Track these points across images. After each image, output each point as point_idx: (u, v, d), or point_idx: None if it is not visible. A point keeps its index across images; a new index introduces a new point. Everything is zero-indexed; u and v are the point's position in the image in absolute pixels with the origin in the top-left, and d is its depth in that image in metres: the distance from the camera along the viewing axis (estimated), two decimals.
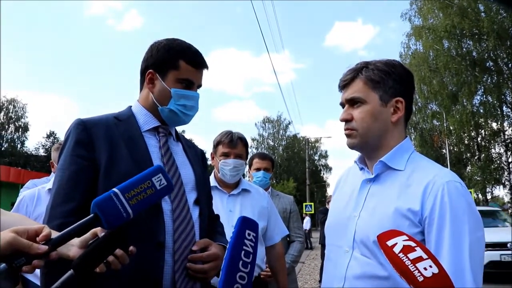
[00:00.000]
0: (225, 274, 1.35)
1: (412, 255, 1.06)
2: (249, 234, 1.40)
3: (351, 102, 1.58)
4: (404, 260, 1.06)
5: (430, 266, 1.04)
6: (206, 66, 1.78)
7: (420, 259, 1.05)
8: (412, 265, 1.04)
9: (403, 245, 1.09)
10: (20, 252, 1.00)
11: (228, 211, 2.73)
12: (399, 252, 1.08)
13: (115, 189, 1.16)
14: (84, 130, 1.59)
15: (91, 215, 1.12)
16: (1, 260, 0.98)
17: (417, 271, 1.03)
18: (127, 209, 1.14)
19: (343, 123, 1.61)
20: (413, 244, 1.09)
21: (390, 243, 1.12)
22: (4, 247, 0.98)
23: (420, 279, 1.02)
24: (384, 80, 1.55)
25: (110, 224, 1.12)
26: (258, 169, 3.72)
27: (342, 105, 1.63)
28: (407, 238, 1.11)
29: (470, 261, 1.32)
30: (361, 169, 1.66)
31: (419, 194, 1.42)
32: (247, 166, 3.74)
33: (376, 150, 1.58)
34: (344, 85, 1.61)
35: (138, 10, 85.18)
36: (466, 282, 1.30)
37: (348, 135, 1.59)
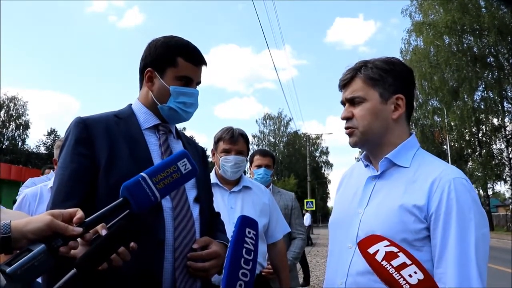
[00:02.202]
0: (228, 272, 1.36)
1: (395, 262, 1.03)
2: (249, 232, 1.41)
3: (352, 101, 1.59)
4: (388, 268, 1.03)
5: (415, 272, 1.01)
6: (204, 63, 1.78)
7: (404, 265, 1.03)
8: (396, 272, 1.02)
9: (385, 252, 1.07)
10: (57, 233, 1.07)
11: (229, 208, 2.71)
12: (382, 260, 1.05)
13: (142, 174, 1.21)
14: (85, 128, 1.58)
15: (120, 198, 1.17)
16: (40, 241, 1.05)
17: (402, 279, 1.01)
18: (154, 193, 1.20)
19: (344, 121, 1.61)
20: (395, 249, 1.07)
21: (371, 250, 1.09)
22: (43, 229, 1.06)
23: (406, 287, 1.00)
24: (383, 78, 1.55)
25: (139, 207, 1.17)
26: (259, 166, 3.71)
27: (343, 103, 1.64)
28: (388, 243, 1.09)
29: (476, 257, 1.32)
30: (366, 166, 1.67)
31: (425, 190, 1.43)
32: (248, 163, 3.73)
33: (378, 147, 1.58)
34: (344, 85, 1.62)
35: (139, 7, 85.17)
36: (472, 278, 1.31)
37: (349, 134, 1.60)
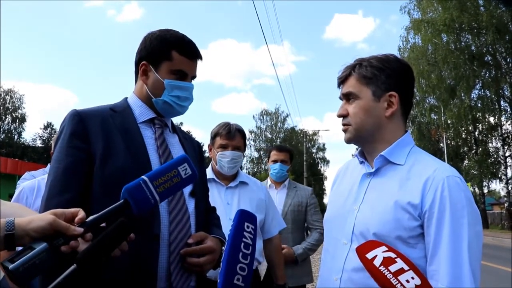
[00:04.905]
0: (226, 266, 1.37)
1: (393, 268, 1.05)
2: (247, 227, 1.42)
3: (347, 98, 1.61)
4: (385, 274, 1.04)
5: (412, 278, 1.03)
6: (200, 57, 1.77)
7: (401, 271, 1.04)
8: (394, 278, 1.03)
9: (383, 257, 1.08)
10: (59, 233, 1.10)
11: (225, 203, 2.72)
12: (380, 265, 1.06)
13: (143, 177, 1.22)
14: (80, 121, 1.57)
15: (121, 200, 1.19)
16: (42, 240, 1.08)
17: (399, 284, 1.02)
18: (154, 196, 1.22)
19: (341, 119, 1.64)
20: (393, 255, 1.08)
21: (369, 255, 1.10)
22: (45, 228, 1.09)
23: None
24: (377, 76, 1.57)
25: (139, 210, 1.19)
26: (275, 161, 3.74)
27: (342, 99, 1.66)
28: (386, 249, 1.10)
29: (469, 255, 1.33)
30: (361, 162, 1.68)
31: (419, 188, 1.44)
32: (266, 158, 3.74)
33: (372, 143, 1.60)
34: (340, 82, 1.65)
35: (138, 1, 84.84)
36: (464, 275, 1.32)
37: (344, 131, 1.63)
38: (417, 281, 1.03)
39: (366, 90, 1.57)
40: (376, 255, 1.09)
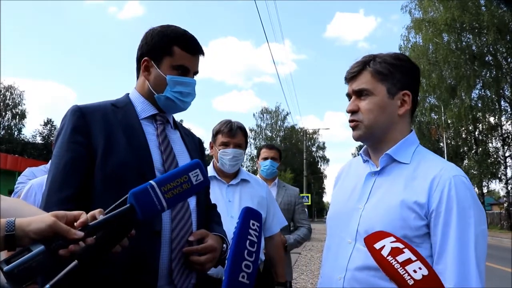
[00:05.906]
0: (231, 263, 1.37)
1: (400, 258, 1.05)
2: (253, 224, 1.43)
3: (358, 94, 1.58)
4: (393, 264, 1.05)
5: (420, 268, 1.03)
6: (201, 52, 1.75)
7: (409, 261, 1.05)
8: (401, 268, 1.04)
9: (391, 247, 1.09)
10: (59, 235, 1.08)
11: (227, 201, 2.71)
12: (388, 255, 1.07)
13: (151, 182, 1.17)
14: (81, 116, 1.56)
15: (127, 205, 1.15)
16: (41, 242, 1.06)
17: (406, 274, 1.03)
18: (162, 202, 1.16)
19: (347, 115, 1.61)
20: (401, 245, 1.09)
21: (377, 245, 1.11)
22: (45, 230, 1.07)
23: (410, 282, 1.01)
24: (392, 73, 1.55)
25: (145, 215, 1.15)
26: (265, 158, 3.92)
27: (349, 96, 1.63)
28: (394, 239, 1.11)
29: (475, 255, 1.34)
30: (366, 161, 1.66)
31: (425, 187, 1.43)
32: (256, 157, 4.02)
33: (381, 142, 1.58)
34: (351, 77, 1.61)
35: None
36: (471, 274, 1.32)
37: (353, 127, 1.59)
38: (425, 271, 1.03)
39: (381, 87, 1.55)
40: (384, 245, 1.09)
